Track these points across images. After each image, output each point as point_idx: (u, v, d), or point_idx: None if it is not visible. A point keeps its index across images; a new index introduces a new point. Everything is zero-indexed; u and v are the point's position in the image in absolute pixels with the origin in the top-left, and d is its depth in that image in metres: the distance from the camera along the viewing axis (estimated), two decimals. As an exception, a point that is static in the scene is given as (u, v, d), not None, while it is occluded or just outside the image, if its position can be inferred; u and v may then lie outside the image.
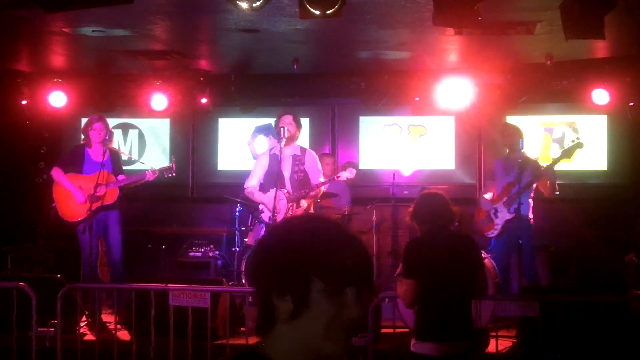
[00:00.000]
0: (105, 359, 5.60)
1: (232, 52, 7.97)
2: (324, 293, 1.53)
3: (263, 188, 6.87)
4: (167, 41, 7.43)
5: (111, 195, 6.71)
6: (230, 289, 6.55)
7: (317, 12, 5.03)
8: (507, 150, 7.35)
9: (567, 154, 7.01)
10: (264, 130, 9.14)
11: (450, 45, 7.36)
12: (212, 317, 5.56)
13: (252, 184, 6.91)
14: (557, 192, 7.16)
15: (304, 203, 6.80)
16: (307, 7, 5.03)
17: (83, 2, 5.44)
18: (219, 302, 5.95)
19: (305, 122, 8.65)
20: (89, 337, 6.20)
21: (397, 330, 5.70)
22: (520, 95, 8.44)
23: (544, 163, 7.28)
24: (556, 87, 8.17)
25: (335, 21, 5.39)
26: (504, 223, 7.00)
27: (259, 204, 6.92)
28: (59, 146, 9.69)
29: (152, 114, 9.17)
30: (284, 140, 6.55)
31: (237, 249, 7.97)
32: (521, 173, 6.80)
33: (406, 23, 6.34)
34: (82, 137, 7.05)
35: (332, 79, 8.94)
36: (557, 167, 7.09)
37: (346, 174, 6.55)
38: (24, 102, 8.96)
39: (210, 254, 8.21)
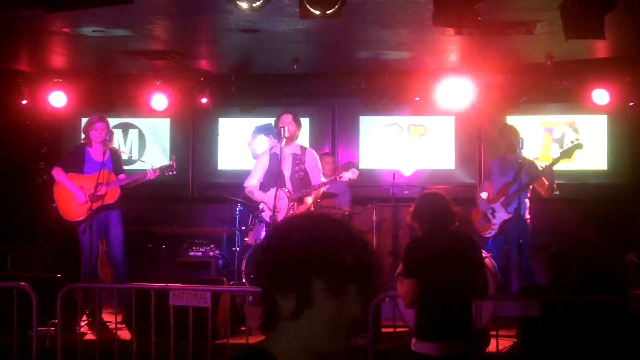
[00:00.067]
0: (105, 359, 5.59)
1: (232, 52, 7.97)
2: (325, 291, 1.53)
3: (263, 187, 6.86)
4: (167, 41, 7.43)
5: (112, 195, 6.71)
6: (231, 288, 6.55)
7: (317, 12, 5.03)
8: (503, 151, 7.35)
9: (566, 154, 7.01)
10: (264, 130, 9.15)
11: (451, 45, 7.36)
12: (212, 316, 5.56)
13: (252, 183, 6.91)
14: (557, 192, 7.16)
15: (309, 200, 6.78)
16: (307, 7, 5.03)
17: (83, 2, 5.44)
18: (219, 301, 5.95)
19: (305, 122, 8.66)
20: (89, 336, 6.20)
21: (398, 329, 5.70)
22: (521, 95, 8.45)
23: (543, 163, 7.28)
24: (556, 87, 8.18)
25: (335, 21, 5.39)
26: (501, 223, 7.00)
27: (260, 203, 6.91)
28: (59, 146, 9.69)
29: (152, 113, 9.17)
30: (284, 140, 6.55)
31: (238, 248, 7.98)
32: (518, 173, 6.81)
33: (406, 23, 6.34)
34: (83, 136, 7.04)
35: (332, 79, 8.94)
36: (558, 167, 7.08)
37: (349, 175, 6.54)
38: (24, 102, 8.96)
39: (211, 253, 8.21)
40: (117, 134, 9.54)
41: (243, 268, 7.36)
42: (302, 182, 6.71)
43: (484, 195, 7.27)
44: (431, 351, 3.96)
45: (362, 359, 5.23)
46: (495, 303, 5.68)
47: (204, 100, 8.86)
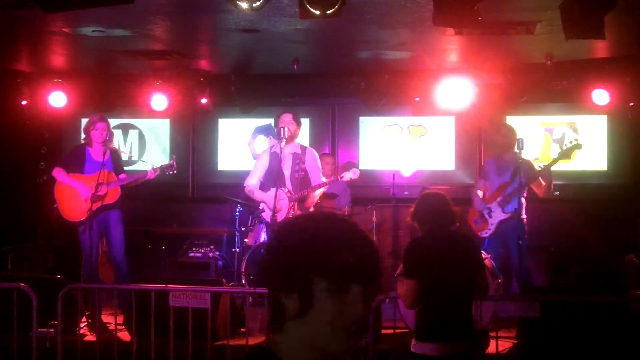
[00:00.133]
0: (105, 360, 5.60)
1: (232, 52, 7.97)
2: (328, 291, 1.54)
3: (263, 187, 6.85)
4: (167, 41, 7.42)
5: (112, 195, 6.71)
6: (231, 289, 6.55)
7: (317, 12, 5.03)
8: (500, 150, 7.33)
9: (565, 155, 7.00)
10: (264, 130, 9.15)
11: (451, 45, 7.35)
12: (212, 317, 5.56)
13: (252, 182, 6.89)
14: (557, 193, 7.15)
15: (317, 192, 6.75)
16: (307, 7, 5.03)
17: (83, 2, 5.44)
18: (219, 302, 5.94)
19: (305, 122, 8.66)
20: (89, 337, 6.19)
21: (398, 330, 5.70)
22: (521, 95, 8.44)
23: (542, 163, 7.27)
24: (556, 87, 8.17)
25: (335, 21, 5.39)
26: (498, 223, 6.99)
27: (260, 203, 6.90)
28: (59, 146, 9.69)
29: (152, 114, 9.17)
30: (284, 140, 6.53)
31: (238, 249, 7.97)
32: (515, 173, 6.81)
33: (406, 23, 6.34)
34: (83, 136, 7.03)
35: (332, 79, 8.94)
36: (558, 168, 7.08)
37: (350, 174, 6.53)
38: (24, 102, 8.96)
39: (211, 254, 8.20)
40: (117, 134, 9.54)
41: (243, 269, 7.35)
42: (303, 182, 6.70)
43: (479, 193, 7.26)
44: (431, 352, 3.95)
45: (363, 359, 5.23)
46: (496, 303, 5.68)
47: (204, 100, 8.85)
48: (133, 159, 9.25)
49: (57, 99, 8.89)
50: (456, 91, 8.15)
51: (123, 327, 6.09)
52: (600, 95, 8.08)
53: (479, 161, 9.16)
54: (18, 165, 9.21)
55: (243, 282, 7.24)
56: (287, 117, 6.71)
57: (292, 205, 6.55)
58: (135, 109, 9.36)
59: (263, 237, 7.61)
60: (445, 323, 3.98)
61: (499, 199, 6.99)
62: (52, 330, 5.70)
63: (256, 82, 8.98)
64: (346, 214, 7.85)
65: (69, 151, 7.49)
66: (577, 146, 6.94)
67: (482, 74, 8.16)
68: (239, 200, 7.85)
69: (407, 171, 9.22)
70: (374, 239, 8.16)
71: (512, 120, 8.83)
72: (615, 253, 7.75)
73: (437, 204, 4.22)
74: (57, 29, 6.80)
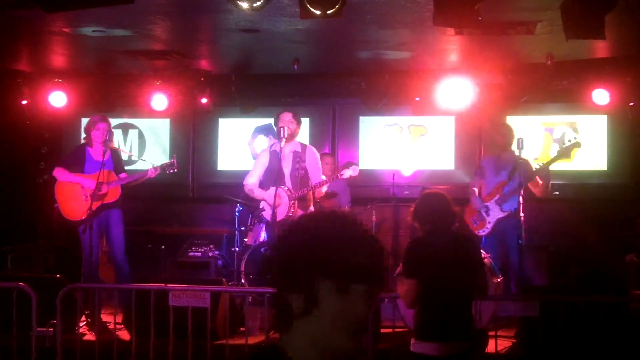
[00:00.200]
0: (104, 359, 5.59)
1: (233, 52, 7.97)
2: (332, 291, 1.55)
3: (263, 185, 6.83)
4: (167, 41, 7.43)
5: (113, 194, 6.71)
6: (230, 289, 6.55)
7: (318, 12, 5.03)
8: (498, 150, 7.32)
9: (564, 153, 6.99)
10: (264, 130, 9.15)
11: (451, 45, 7.35)
12: (212, 317, 5.56)
13: (251, 181, 6.88)
14: (557, 193, 7.14)
15: (323, 189, 6.74)
16: (307, 7, 5.03)
17: (83, 2, 5.44)
18: (218, 302, 5.94)
19: (305, 122, 8.66)
20: (89, 337, 6.19)
21: (397, 330, 5.70)
22: (521, 95, 8.44)
23: (541, 162, 7.27)
24: (557, 87, 8.17)
25: (335, 21, 5.39)
26: (496, 221, 6.99)
27: (259, 201, 6.88)
28: (60, 146, 9.69)
29: (153, 114, 9.17)
30: (284, 139, 6.53)
31: (237, 248, 7.97)
32: (513, 172, 6.81)
33: (406, 23, 6.34)
34: (84, 136, 7.03)
35: (332, 79, 8.94)
36: (558, 167, 7.07)
37: (350, 172, 6.52)
38: (24, 102, 8.96)
39: (210, 254, 8.20)
40: (117, 134, 9.53)
41: (242, 268, 7.35)
42: (303, 180, 6.69)
43: (475, 191, 7.25)
44: (431, 351, 3.95)
45: (362, 359, 5.23)
46: (495, 303, 5.68)
47: (204, 100, 8.86)
48: (133, 158, 9.25)
49: (57, 99, 8.89)
50: (456, 91, 8.15)
51: (122, 326, 6.10)
52: (601, 95, 8.08)
53: (479, 161, 9.14)
54: (18, 165, 9.21)
55: (243, 281, 7.23)
56: (286, 116, 6.70)
57: (292, 204, 6.54)
58: (136, 109, 9.36)
59: (263, 236, 7.61)
60: (445, 323, 3.98)
61: (496, 198, 7.00)
62: (52, 329, 5.71)
63: (256, 82, 8.98)
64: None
65: (69, 151, 7.48)
66: (577, 145, 6.94)
67: (482, 74, 8.16)
68: (239, 200, 7.85)
69: (407, 171, 9.21)
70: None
71: (512, 120, 8.82)
72: (616, 253, 7.75)
73: (438, 204, 4.22)
74: (57, 29, 6.80)
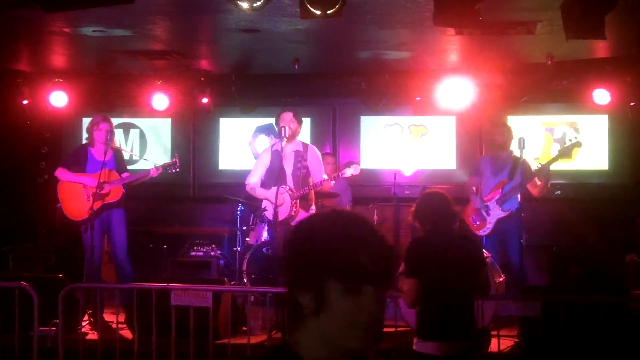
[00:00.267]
0: (106, 359, 5.60)
1: (233, 52, 7.97)
2: (341, 291, 1.55)
3: (265, 185, 6.82)
4: (167, 41, 7.43)
5: (115, 193, 6.71)
6: (232, 288, 6.55)
7: (318, 12, 5.03)
8: (497, 149, 7.31)
9: (565, 153, 6.99)
10: (264, 130, 9.15)
11: (451, 45, 7.36)
12: (213, 316, 5.56)
13: (253, 180, 6.87)
14: (558, 192, 7.14)
15: (333, 182, 6.71)
16: (307, 7, 5.03)
17: (83, 2, 5.44)
18: (220, 301, 5.95)
19: (306, 122, 8.67)
20: (91, 336, 6.20)
21: (399, 329, 5.71)
22: (521, 95, 8.45)
23: (541, 163, 7.27)
24: (557, 87, 8.18)
25: (335, 21, 5.39)
26: (496, 221, 6.98)
27: (261, 200, 6.86)
28: (60, 146, 9.70)
29: (153, 113, 9.18)
30: (285, 139, 6.52)
31: (239, 248, 7.98)
32: (513, 171, 6.81)
33: (406, 23, 6.35)
34: (86, 136, 7.04)
35: (332, 79, 8.94)
36: (559, 167, 7.07)
37: (351, 171, 6.51)
38: (24, 102, 8.97)
39: (212, 253, 8.21)
40: (118, 133, 9.50)
41: (244, 268, 7.36)
42: (305, 180, 6.69)
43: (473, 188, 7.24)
44: (433, 351, 3.96)
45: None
46: (497, 303, 5.68)
47: (204, 100, 8.87)
48: (135, 157, 9.25)
49: (58, 99, 8.90)
50: (457, 91, 8.16)
51: (125, 325, 6.10)
52: (601, 95, 8.09)
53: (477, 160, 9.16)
54: (18, 165, 9.22)
55: (244, 281, 7.24)
56: (287, 116, 6.70)
57: (294, 203, 6.54)
58: (136, 109, 9.37)
59: (265, 236, 7.61)
60: (446, 322, 3.99)
61: (497, 197, 6.99)
62: (54, 329, 5.72)
63: (257, 82, 8.98)
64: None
65: (71, 151, 7.48)
66: (578, 144, 6.93)
67: (482, 74, 8.17)
68: (240, 200, 7.85)
69: (408, 170, 9.22)
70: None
71: (512, 120, 8.83)
72: (616, 253, 7.76)
73: (438, 204, 4.22)
74: (58, 29, 6.80)
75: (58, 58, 8.35)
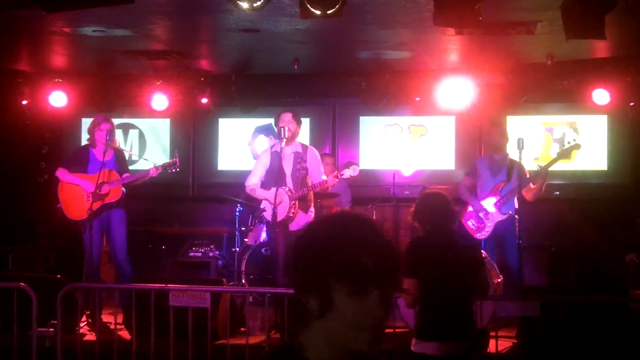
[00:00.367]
0: (105, 359, 5.59)
1: (233, 52, 7.97)
2: (347, 294, 1.56)
3: (264, 186, 6.81)
4: (167, 41, 7.43)
5: (114, 193, 6.71)
6: (231, 289, 6.55)
7: (318, 12, 5.03)
8: (493, 150, 7.30)
9: (564, 155, 6.97)
10: (264, 130, 9.16)
11: (451, 45, 7.35)
12: (212, 317, 5.56)
13: (253, 181, 6.87)
14: (557, 193, 7.12)
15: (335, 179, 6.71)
16: (307, 7, 5.03)
17: (83, 2, 5.44)
18: (219, 302, 5.95)
19: (305, 122, 8.66)
20: (89, 337, 6.20)
21: (398, 330, 5.70)
22: (521, 95, 8.44)
23: (541, 163, 7.26)
24: (557, 87, 8.17)
25: (335, 21, 5.39)
26: (495, 224, 6.96)
27: (261, 201, 6.86)
28: (60, 146, 9.70)
29: (153, 113, 9.17)
30: (285, 139, 6.52)
31: (238, 249, 7.98)
32: (510, 173, 6.80)
33: (406, 23, 6.34)
34: (88, 137, 7.03)
35: (332, 79, 8.94)
36: (558, 167, 7.05)
37: (350, 172, 6.51)
38: (24, 102, 8.97)
39: (211, 254, 8.21)
40: (118, 134, 9.49)
41: (243, 268, 7.36)
42: (304, 181, 6.69)
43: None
44: (432, 351, 3.96)
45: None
46: (496, 303, 5.68)
47: (204, 100, 8.86)
48: (134, 158, 9.24)
49: (58, 99, 8.89)
50: (457, 91, 8.15)
51: (123, 326, 6.10)
52: (601, 95, 8.08)
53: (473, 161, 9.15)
54: (18, 165, 9.21)
55: (243, 281, 7.24)
56: (287, 117, 6.69)
57: (293, 204, 6.53)
58: (136, 109, 9.36)
59: (263, 236, 7.61)
60: (446, 322, 3.98)
61: (495, 200, 6.96)
62: (52, 329, 5.71)
63: (256, 82, 8.98)
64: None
65: (72, 152, 7.48)
66: (577, 146, 6.92)
67: (482, 74, 8.16)
68: (239, 200, 7.85)
69: (407, 171, 9.21)
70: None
71: (512, 120, 8.84)
72: (616, 253, 7.76)
73: (438, 204, 4.22)
74: (58, 29, 6.80)
75: (58, 58, 8.35)
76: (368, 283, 1.55)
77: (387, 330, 5.97)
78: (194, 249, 8.32)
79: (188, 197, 9.75)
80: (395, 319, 5.73)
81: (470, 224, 7.08)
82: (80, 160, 6.89)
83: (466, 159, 9.21)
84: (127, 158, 7.28)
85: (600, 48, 7.47)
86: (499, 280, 6.35)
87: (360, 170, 6.75)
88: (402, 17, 6.15)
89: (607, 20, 4.96)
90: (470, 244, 4.31)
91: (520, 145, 6.46)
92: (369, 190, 8.93)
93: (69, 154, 7.52)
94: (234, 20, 6.35)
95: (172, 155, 7.84)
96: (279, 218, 6.38)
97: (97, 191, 6.54)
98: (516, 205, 6.75)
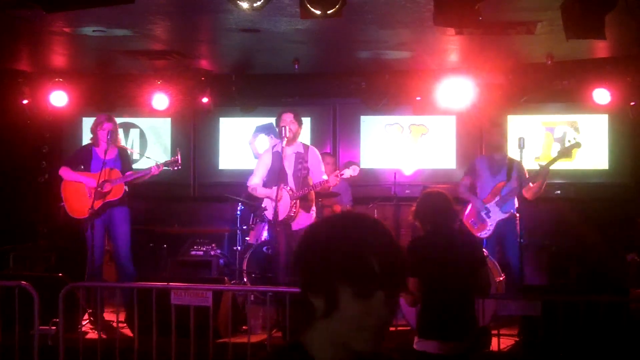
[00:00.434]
0: (107, 358, 5.60)
1: (233, 52, 7.97)
2: (352, 295, 1.56)
3: (266, 186, 6.82)
4: (167, 41, 7.43)
5: (116, 192, 6.71)
6: (232, 287, 6.56)
7: (318, 12, 5.04)
8: (492, 150, 7.30)
9: (565, 154, 6.99)
10: (265, 129, 9.17)
11: (451, 45, 7.36)
12: (214, 316, 5.56)
13: (255, 181, 6.88)
14: (558, 192, 7.13)
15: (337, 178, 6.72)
16: (307, 7, 5.04)
17: (83, 2, 5.44)
18: (220, 301, 5.96)
19: (306, 121, 8.67)
20: (91, 335, 6.21)
21: (399, 328, 5.72)
22: (522, 95, 8.45)
23: (542, 162, 7.27)
24: (557, 86, 8.18)
25: (335, 21, 5.39)
26: (496, 223, 6.98)
27: (263, 200, 6.86)
28: (60, 146, 9.71)
29: (153, 113, 9.18)
30: (286, 139, 6.53)
31: (239, 247, 7.99)
32: (510, 172, 6.81)
33: (406, 23, 6.35)
34: (90, 136, 7.05)
35: (332, 79, 8.94)
36: (559, 166, 7.06)
37: (350, 172, 6.51)
38: (25, 102, 8.97)
39: (212, 252, 8.22)
40: (119, 133, 9.53)
41: (244, 267, 7.37)
42: (305, 181, 6.70)
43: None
44: (433, 349, 3.97)
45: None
46: (497, 302, 5.69)
47: (204, 100, 8.87)
48: (135, 156, 9.25)
49: (58, 99, 8.90)
50: (457, 91, 8.16)
51: (125, 325, 6.11)
52: (601, 95, 8.09)
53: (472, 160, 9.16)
54: (19, 165, 9.22)
55: (245, 280, 7.25)
56: (288, 117, 6.69)
57: (294, 204, 6.54)
58: (136, 109, 9.37)
59: (264, 235, 7.62)
60: (446, 322, 3.99)
61: (496, 199, 6.98)
62: (54, 328, 5.73)
63: (257, 82, 8.98)
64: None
65: (75, 150, 7.49)
66: (577, 145, 6.94)
67: (482, 74, 8.17)
68: (240, 199, 7.86)
69: (408, 170, 9.23)
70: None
71: (513, 120, 8.85)
72: (616, 253, 7.76)
73: (439, 203, 4.23)
74: (58, 29, 6.81)
75: (58, 58, 8.35)
76: (373, 284, 1.55)
77: (390, 329, 5.98)
78: (195, 248, 8.33)
79: (189, 197, 9.76)
80: (397, 317, 5.73)
81: (472, 222, 7.09)
82: (83, 159, 6.91)
83: (467, 158, 9.21)
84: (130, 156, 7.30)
85: (600, 48, 7.48)
86: (501, 278, 6.36)
87: (361, 170, 6.76)
88: (402, 17, 6.15)
89: (607, 20, 4.96)
90: (472, 243, 4.31)
91: (521, 144, 6.48)
92: (370, 189, 8.94)
93: (72, 153, 7.53)
94: (234, 20, 6.35)
95: (173, 155, 7.85)
96: (280, 217, 6.39)
97: (99, 189, 6.54)
98: (517, 204, 6.76)
